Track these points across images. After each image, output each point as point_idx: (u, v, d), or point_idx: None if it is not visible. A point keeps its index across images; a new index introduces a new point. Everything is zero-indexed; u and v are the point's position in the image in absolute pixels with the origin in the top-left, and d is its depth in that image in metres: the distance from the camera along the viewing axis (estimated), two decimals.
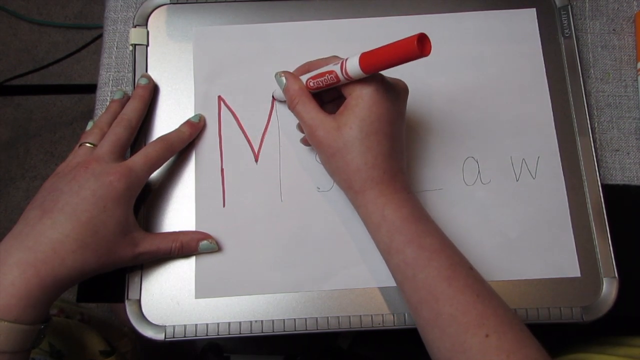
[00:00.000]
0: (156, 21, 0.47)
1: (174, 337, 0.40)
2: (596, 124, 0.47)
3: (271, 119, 0.45)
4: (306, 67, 0.40)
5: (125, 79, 0.47)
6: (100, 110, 0.47)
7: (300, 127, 0.42)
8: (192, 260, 0.42)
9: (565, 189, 0.43)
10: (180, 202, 0.43)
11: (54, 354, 0.46)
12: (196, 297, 0.41)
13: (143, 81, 0.44)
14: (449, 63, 0.46)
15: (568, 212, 0.43)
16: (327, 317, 0.40)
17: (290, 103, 0.39)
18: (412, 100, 0.45)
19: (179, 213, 0.43)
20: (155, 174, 0.43)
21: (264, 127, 0.45)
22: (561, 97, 0.45)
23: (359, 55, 0.34)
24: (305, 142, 0.43)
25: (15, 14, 1.24)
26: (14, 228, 0.36)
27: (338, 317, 0.40)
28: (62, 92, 1.17)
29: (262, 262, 0.41)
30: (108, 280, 0.42)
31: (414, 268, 0.34)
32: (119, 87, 0.47)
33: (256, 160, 0.44)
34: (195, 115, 0.44)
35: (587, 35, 0.49)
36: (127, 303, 0.41)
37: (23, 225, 0.35)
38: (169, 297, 0.41)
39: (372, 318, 0.40)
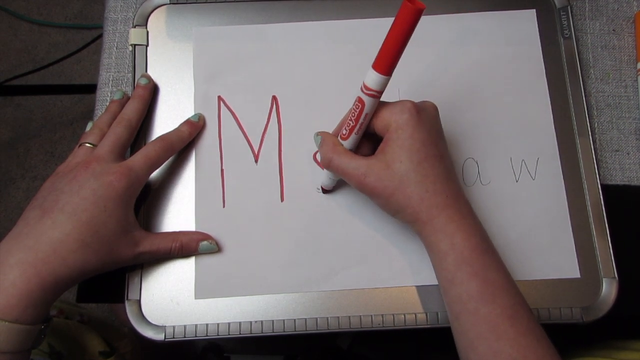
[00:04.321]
0: (156, 21, 0.47)
1: (173, 338, 0.40)
2: (596, 124, 0.47)
3: (271, 119, 0.45)
4: (335, 132, 0.40)
5: (125, 79, 0.47)
6: (100, 111, 0.47)
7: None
8: (192, 261, 0.42)
9: (564, 189, 0.43)
10: (180, 203, 0.43)
11: (53, 355, 0.46)
12: (196, 298, 0.41)
13: (143, 81, 0.44)
14: (448, 64, 0.46)
15: (568, 212, 0.43)
16: (327, 318, 0.40)
17: (325, 160, 0.38)
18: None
19: (179, 213, 0.43)
20: (155, 174, 0.43)
21: (264, 127, 0.45)
22: (561, 98, 0.45)
23: (370, 68, 0.34)
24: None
25: (15, 14, 1.25)
26: (14, 228, 0.35)
27: (338, 317, 0.40)
28: (62, 92, 1.17)
29: (262, 263, 0.41)
30: (108, 280, 0.42)
31: (478, 302, 0.34)
32: (119, 88, 0.47)
33: (256, 161, 0.44)
34: (195, 115, 0.44)
35: (587, 35, 0.49)
36: (127, 303, 0.41)
37: (23, 225, 0.35)
38: (169, 298, 0.41)
39: (372, 318, 0.40)
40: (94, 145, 0.40)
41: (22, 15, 1.25)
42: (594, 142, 0.45)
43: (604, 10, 0.50)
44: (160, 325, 0.40)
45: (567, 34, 0.47)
